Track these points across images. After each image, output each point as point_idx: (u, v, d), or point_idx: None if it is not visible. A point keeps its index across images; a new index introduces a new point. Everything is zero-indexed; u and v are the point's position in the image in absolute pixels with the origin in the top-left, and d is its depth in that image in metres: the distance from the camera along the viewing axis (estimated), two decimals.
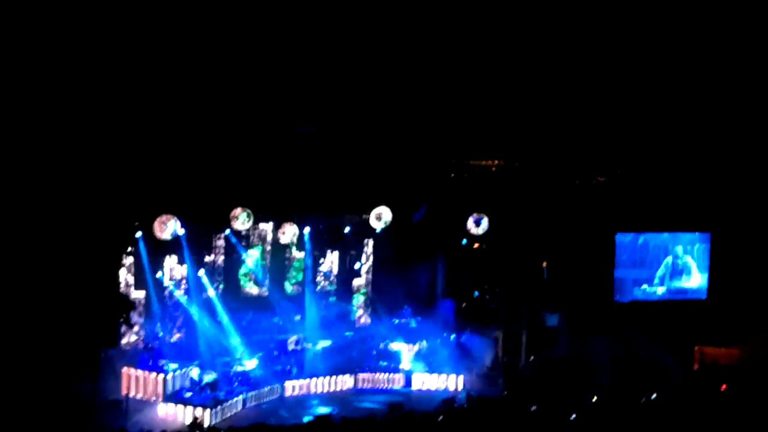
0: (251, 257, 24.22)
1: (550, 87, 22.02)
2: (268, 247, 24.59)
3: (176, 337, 22.67)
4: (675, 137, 23.18)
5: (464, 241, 25.51)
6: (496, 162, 24.98)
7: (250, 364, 22.12)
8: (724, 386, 19.16)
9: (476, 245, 25.81)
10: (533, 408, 17.57)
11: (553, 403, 18.11)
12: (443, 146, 23.76)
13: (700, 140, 23.09)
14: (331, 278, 25.65)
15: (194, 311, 22.69)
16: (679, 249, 25.85)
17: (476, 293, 25.81)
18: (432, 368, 23.75)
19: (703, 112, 22.35)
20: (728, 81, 21.48)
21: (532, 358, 23.87)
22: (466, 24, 20.42)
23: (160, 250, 22.30)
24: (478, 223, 24.47)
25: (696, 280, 26.00)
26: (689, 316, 24.75)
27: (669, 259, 25.74)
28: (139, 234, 21.56)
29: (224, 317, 23.02)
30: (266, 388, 21.82)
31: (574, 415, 16.19)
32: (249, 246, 24.24)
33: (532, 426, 16.31)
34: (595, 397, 18.59)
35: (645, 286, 25.47)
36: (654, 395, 18.24)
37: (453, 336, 24.79)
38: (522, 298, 24.20)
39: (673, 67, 21.25)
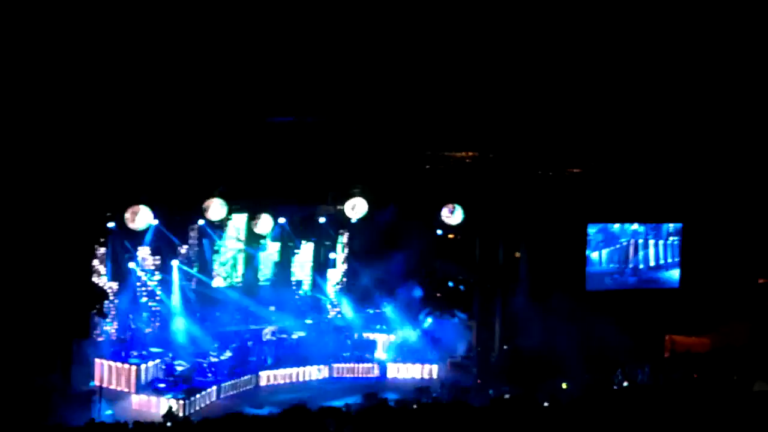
0: (225, 248, 24.13)
1: (524, 79, 22.13)
2: (243, 238, 24.51)
3: (149, 328, 22.54)
4: (648, 128, 23.40)
5: (439, 232, 25.62)
6: (471, 153, 25.07)
7: (225, 354, 22.07)
8: (695, 375, 19.49)
9: (451, 236, 25.94)
10: (506, 396, 17.75)
11: (526, 391, 18.31)
12: (418, 137, 23.79)
13: (673, 131, 23.34)
14: (306, 269, 25.65)
15: (168, 302, 22.57)
16: (651, 239, 26.16)
17: (450, 283, 25.97)
18: (406, 358, 23.88)
19: (676, 103, 22.58)
20: (701, 72, 21.71)
21: (505, 347, 24.07)
22: (441, 17, 20.46)
23: (133, 240, 22.15)
24: (452, 214, 24.54)
25: (667, 270, 26.35)
26: (660, 306, 25.09)
27: (640, 249, 26.05)
28: (111, 224, 21.36)
29: (198, 308, 22.94)
30: (241, 379, 21.80)
31: (546, 403, 16.37)
32: (223, 237, 24.14)
33: (505, 414, 16.44)
34: (565, 384, 18.81)
35: (616, 275, 25.76)
36: (625, 383, 18.50)
37: (426, 325, 24.95)
38: (495, 287, 24.35)
39: (646, 58, 21.43)
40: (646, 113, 22.94)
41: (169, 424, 17.03)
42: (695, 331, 24.29)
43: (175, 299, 22.67)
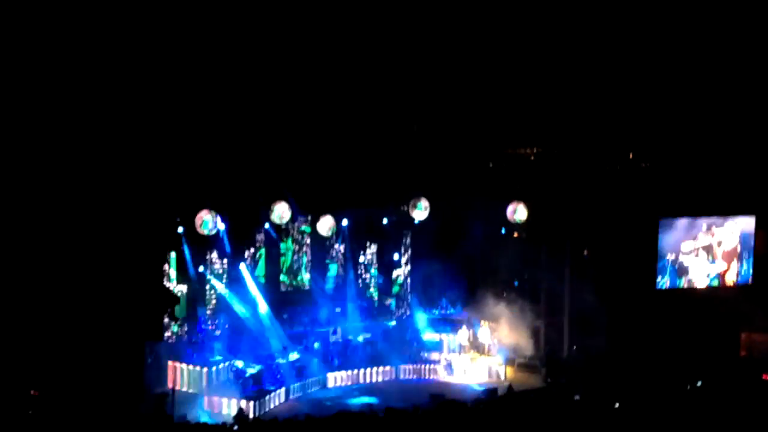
0: (290, 250, 24.42)
1: (588, 72, 21.80)
2: (308, 241, 24.75)
3: (219, 330, 22.96)
4: (718, 119, 22.74)
5: (503, 230, 25.35)
6: (535, 150, 24.77)
7: (293, 356, 22.33)
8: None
9: (515, 234, 25.63)
10: (576, 397, 17.46)
11: (596, 392, 17.97)
12: (483, 134, 23.65)
13: (744, 122, 22.62)
14: (371, 270, 25.74)
15: (236, 305, 22.95)
16: (722, 233, 25.27)
17: (516, 282, 25.65)
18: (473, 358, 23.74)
19: (745, 93, 21.90)
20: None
21: (574, 347, 23.66)
22: (503, 18, 20.39)
23: (202, 245, 22.58)
24: (516, 212, 24.22)
25: (740, 265, 25.43)
26: (734, 303, 24.26)
27: (710, 244, 25.21)
28: (181, 229, 21.85)
29: (266, 310, 23.26)
30: (309, 380, 22.02)
31: (617, 404, 16.05)
32: (288, 239, 24.43)
33: (575, 416, 16.19)
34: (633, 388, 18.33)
35: (687, 273, 24.98)
36: (698, 383, 17.98)
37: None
38: (563, 286, 23.96)
39: (710, 52, 20.88)
40: (714, 104, 22.33)
41: (238, 425, 17.31)
42: None
43: (243, 302, 22.98)
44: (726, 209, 25.05)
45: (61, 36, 18.18)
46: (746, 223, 25.20)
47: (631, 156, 24.68)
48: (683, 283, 24.70)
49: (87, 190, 19.62)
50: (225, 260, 23.17)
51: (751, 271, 25.27)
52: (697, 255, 25.00)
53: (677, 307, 23.59)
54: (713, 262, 25.20)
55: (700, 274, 25.00)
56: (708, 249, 25.11)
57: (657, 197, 24.22)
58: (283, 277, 24.44)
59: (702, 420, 14.91)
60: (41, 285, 19.15)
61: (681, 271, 24.70)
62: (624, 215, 23.84)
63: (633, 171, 24.56)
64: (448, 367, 23.66)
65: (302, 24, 20.27)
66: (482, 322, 24.49)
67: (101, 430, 16.00)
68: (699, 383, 18.32)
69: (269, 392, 20.64)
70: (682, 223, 24.57)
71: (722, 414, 15.24)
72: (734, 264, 25.38)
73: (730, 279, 25.33)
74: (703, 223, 24.84)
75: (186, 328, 22.54)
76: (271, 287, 24.00)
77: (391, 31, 20.76)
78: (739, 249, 25.29)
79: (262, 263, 24.02)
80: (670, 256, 24.39)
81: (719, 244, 25.21)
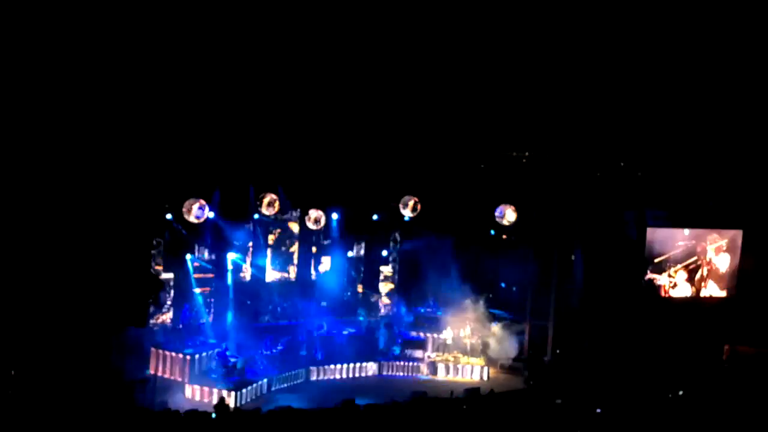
0: (279, 242, 24.36)
1: (578, 76, 21.85)
2: (296, 234, 24.70)
3: (204, 319, 22.89)
4: (710, 129, 22.84)
5: (492, 232, 25.40)
6: (526, 153, 24.80)
7: (276, 348, 22.28)
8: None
9: (504, 236, 25.70)
10: (558, 401, 17.50)
11: (578, 396, 18.03)
12: (473, 137, 23.65)
13: (735, 133, 22.73)
14: (359, 266, 25.72)
15: (222, 294, 22.87)
16: (709, 245, 25.43)
17: (503, 284, 25.72)
18: (457, 358, 23.78)
19: (735, 103, 22.01)
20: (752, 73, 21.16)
21: (557, 351, 23.74)
22: (493, 20, 20.42)
23: (189, 232, 22.49)
24: (503, 214, 24.28)
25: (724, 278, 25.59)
26: (719, 314, 24.42)
27: (698, 254, 25.36)
28: (169, 216, 21.75)
29: (251, 301, 23.18)
30: (291, 373, 21.99)
31: (599, 410, 16.11)
32: (277, 231, 24.37)
33: (556, 419, 16.25)
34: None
35: (673, 281, 25.12)
36: (681, 391, 18.08)
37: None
38: (549, 289, 24.04)
39: (702, 58, 20.97)
40: (705, 113, 22.42)
41: (218, 414, 17.24)
42: (756, 342, 23.54)
43: (229, 292, 22.92)
44: (713, 222, 25.21)
45: (47, 21, 18.04)
46: (733, 236, 25.37)
47: (621, 164, 24.76)
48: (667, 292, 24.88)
49: (74, 174, 19.51)
50: (212, 249, 23.08)
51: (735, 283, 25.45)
52: (682, 264, 25.15)
53: (662, 315, 23.72)
54: (698, 273, 25.36)
55: (685, 284, 25.17)
56: (693, 259, 25.28)
57: (646, 205, 24.35)
58: (270, 269, 24.37)
59: (682, 427, 15.01)
60: (25, 267, 19.04)
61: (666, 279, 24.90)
62: (612, 221, 23.96)
63: (623, 178, 24.66)
64: (432, 365, 23.69)
65: (297, 19, 20.21)
66: (467, 322, 24.53)
67: (78, 414, 15.91)
68: (680, 392, 18.41)
69: (251, 383, 20.58)
70: (668, 232, 24.69)
71: (703, 422, 15.35)
72: (718, 275, 25.55)
73: (714, 291, 25.50)
74: (688, 233, 24.99)
75: (171, 315, 22.44)
76: (257, 278, 23.94)
77: (385, 29, 20.73)
78: (724, 262, 25.47)
79: (249, 254, 23.94)
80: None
81: (705, 255, 25.37)
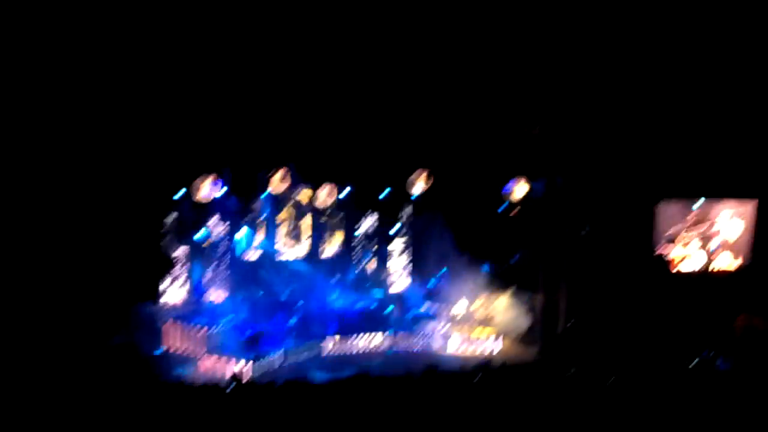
0: (290, 218, 24.40)
1: (591, 51, 21.71)
2: (308, 210, 24.72)
3: (216, 294, 23.01)
4: (721, 103, 22.67)
5: (504, 205, 25.34)
6: (537, 127, 24.64)
7: (290, 322, 22.39)
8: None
9: (515, 210, 25.61)
10: (571, 371, 17.52)
11: (591, 367, 18.05)
12: (485, 112, 23.55)
13: (747, 104, 22.54)
14: (369, 241, 25.74)
15: (234, 270, 22.97)
16: (723, 216, 25.29)
17: (516, 257, 25.65)
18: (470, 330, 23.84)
19: (747, 76, 21.81)
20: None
21: (569, 323, 23.74)
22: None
23: (201, 209, 22.55)
24: (517, 188, 24.22)
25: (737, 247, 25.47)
26: (731, 286, 24.33)
27: (711, 225, 25.24)
28: (182, 192, 21.80)
29: (265, 276, 23.28)
30: (305, 346, 22.11)
31: (611, 379, 16.13)
32: (288, 207, 24.39)
33: (569, 389, 16.27)
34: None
35: (686, 254, 25.06)
36: (694, 362, 18.08)
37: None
38: (561, 263, 23.99)
39: (707, 39, 20.79)
40: (717, 87, 22.24)
41: (233, 387, 17.38)
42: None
43: (242, 267, 23.01)
44: (726, 192, 25.06)
45: (43, 13, 18.04)
46: (747, 206, 25.23)
47: (632, 137, 24.59)
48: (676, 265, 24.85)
49: (89, 156, 19.60)
50: (226, 225, 23.13)
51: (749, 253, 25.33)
52: (694, 238, 25.06)
53: (674, 288, 23.65)
54: (710, 245, 25.27)
55: (697, 257, 25.11)
56: (705, 231, 25.17)
57: (657, 177, 24.21)
58: (281, 245, 24.42)
59: (696, 397, 15.01)
60: (40, 245, 19.19)
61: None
62: (623, 194, 23.85)
63: (634, 151, 24.49)
64: (444, 338, 23.76)
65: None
66: (479, 295, 24.54)
67: (94, 388, 16.07)
68: (694, 363, 18.41)
69: (265, 356, 20.72)
70: (679, 205, 24.61)
71: (716, 393, 15.34)
72: (733, 249, 25.45)
73: (728, 263, 25.41)
74: (701, 205, 24.87)
75: (186, 291, 22.56)
76: (270, 254, 24.01)
77: (396, 6, 20.65)
78: (738, 230, 25.33)
79: (261, 230, 24.00)
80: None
81: (716, 227, 25.26)
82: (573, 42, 21.82)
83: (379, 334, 23.41)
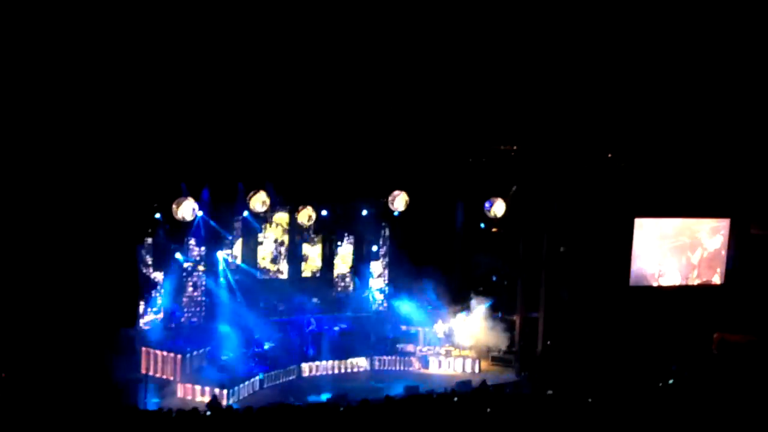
0: (269, 240, 24.34)
1: (568, 69, 21.89)
2: (286, 230, 24.66)
3: (195, 317, 22.84)
4: (698, 120, 22.93)
5: (482, 225, 25.44)
6: (515, 146, 24.82)
7: (268, 345, 22.26)
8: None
9: (494, 229, 25.74)
10: (549, 392, 17.55)
11: (569, 387, 18.09)
12: (462, 131, 23.66)
13: (724, 123, 22.83)
14: (349, 261, 25.72)
15: (212, 292, 22.83)
16: (699, 235, 25.58)
17: (494, 277, 25.76)
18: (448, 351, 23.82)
19: (725, 94, 22.11)
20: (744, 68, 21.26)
21: (548, 342, 23.82)
22: (490, 20, 20.49)
23: (179, 231, 22.42)
24: (492, 207, 24.37)
25: (712, 266, 25.75)
26: (708, 303, 24.55)
27: (687, 244, 25.51)
28: (158, 215, 21.67)
29: (242, 299, 23.16)
30: (283, 370, 21.98)
31: (590, 399, 16.16)
32: (267, 229, 24.33)
33: (547, 410, 16.29)
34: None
35: (662, 271, 25.26)
36: (671, 380, 18.17)
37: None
38: (539, 282, 24.10)
39: (691, 54, 21.05)
40: (695, 104, 22.50)
41: (211, 412, 17.22)
42: (744, 329, 23.68)
43: (220, 290, 22.88)
44: (702, 211, 25.36)
45: (33, 16, 17.93)
46: (721, 226, 25.55)
47: (609, 155, 24.84)
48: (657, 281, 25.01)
49: (61, 175, 19.41)
50: (202, 248, 23.02)
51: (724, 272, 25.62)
52: (672, 255, 25.29)
53: (651, 305, 23.82)
54: (686, 262, 25.51)
55: (674, 274, 25.33)
56: (682, 249, 25.41)
57: (634, 196, 24.46)
58: (260, 266, 24.33)
59: (674, 416, 15.07)
60: (13, 268, 18.95)
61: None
62: (600, 213, 24.04)
63: (611, 169, 24.73)
64: (423, 359, 23.74)
65: (285, 17, 20.15)
66: (458, 315, 24.58)
67: (70, 415, 15.86)
68: (671, 381, 18.49)
69: (243, 380, 20.57)
70: (658, 222, 24.84)
71: (694, 410, 15.41)
72: (709, 265, 25.70)
73: (705, 279, 25.66)
74: (678, 223, 25.14)
75: (162, 315, 22.38)
76: (248, 276, 23.90)
77: (372, 26, 20.72)
78: (712, 251, 25.64)
79: (239, 251, 23.90)
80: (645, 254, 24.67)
81: (693, 245, 25.52)
82: (550, 60, 22.00)
83: (359, 356, 23.32)
